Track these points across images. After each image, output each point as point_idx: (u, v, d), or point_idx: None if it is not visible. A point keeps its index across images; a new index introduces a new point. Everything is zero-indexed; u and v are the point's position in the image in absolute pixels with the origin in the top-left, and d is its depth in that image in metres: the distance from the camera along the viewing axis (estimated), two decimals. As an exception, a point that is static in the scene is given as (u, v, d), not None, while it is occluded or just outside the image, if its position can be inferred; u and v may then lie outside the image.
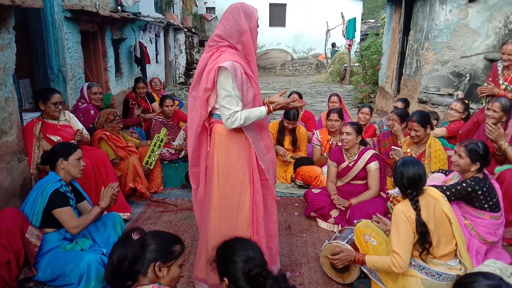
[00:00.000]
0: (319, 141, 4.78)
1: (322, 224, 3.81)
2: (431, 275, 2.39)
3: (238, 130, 2.51)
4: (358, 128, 3.82)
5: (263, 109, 2.49)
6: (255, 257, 1.71)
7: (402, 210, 2.38)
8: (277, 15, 21.29)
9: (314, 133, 4.92)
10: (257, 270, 1.65)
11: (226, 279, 1.72)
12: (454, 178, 3.11)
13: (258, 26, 2.53)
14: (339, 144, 4.56)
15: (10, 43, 3.27)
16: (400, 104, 5.27)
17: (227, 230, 2.51)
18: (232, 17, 2.46)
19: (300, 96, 5.58)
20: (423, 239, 2.36)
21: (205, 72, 2.46)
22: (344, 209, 3.70)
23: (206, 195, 2.66)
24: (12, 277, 2.51)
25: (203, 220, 2.71)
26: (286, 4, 21.26)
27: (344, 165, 3.86)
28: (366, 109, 5.27)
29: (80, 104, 4.77)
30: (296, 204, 4.34)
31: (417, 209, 2.37)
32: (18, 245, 2.57)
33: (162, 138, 4.61)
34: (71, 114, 4.10)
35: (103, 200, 2.89)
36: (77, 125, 4.02)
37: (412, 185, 2.41)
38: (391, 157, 3.75)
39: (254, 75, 2.54)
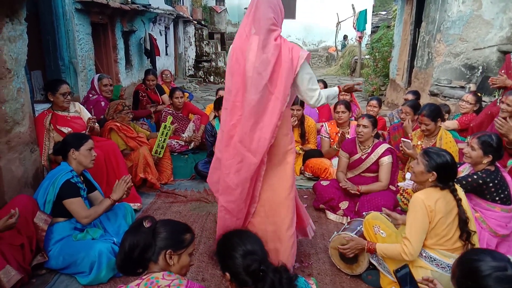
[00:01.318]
0: (328, 133, 4.76)
1: (331, 216, 3.81)
2: (441, 267, 2.38)
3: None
4: (374, 121, 3.80)
5: (336, 89, 2.85)
6: (253, 251, 1.72)
7: (423, 198, 2.37)
8: (287, 7, 20.91)
9: (322, 126, 4.90)
10: (256, 265, 1.65)
11: (227, 274, 1.74)
12: (465, 170, 3.09)
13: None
14: (348, 135, 4.55)
15: (22, 34, 3.30)
16: (411, 97, 5.22)
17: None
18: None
19: (325, 86, 5.62)
20: (466, 229, 2.36)
21: (285, 61, 2.42)
22: (353, 192, 3.69)
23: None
24: (26, 260, 2.57)
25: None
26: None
27: (356, 157, 3.84)
28: (374, 102, 5.23)
29: (90, 95, 4.81)
30: (305, 196, 4.34)
31: (459, 199, 2.39)
32: (30, 230, 2.62)
33: (169, 126, 4.63)
34: (81, 106, 4.13)
35: (116, 193, 2.92)
36: (88, 116, 4.04)
37: (453, 174, 2.42)
38: (401, 149, 3.73)
39: None
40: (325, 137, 4.77)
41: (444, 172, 2.38)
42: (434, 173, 2.38)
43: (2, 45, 3.02)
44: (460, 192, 2.46)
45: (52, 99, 3.77)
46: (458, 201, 2.40)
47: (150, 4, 7.75)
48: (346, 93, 5.44)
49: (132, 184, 3.09)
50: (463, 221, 2.37)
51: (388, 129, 4.83)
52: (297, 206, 2.84)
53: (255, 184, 2.64)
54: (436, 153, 2.43)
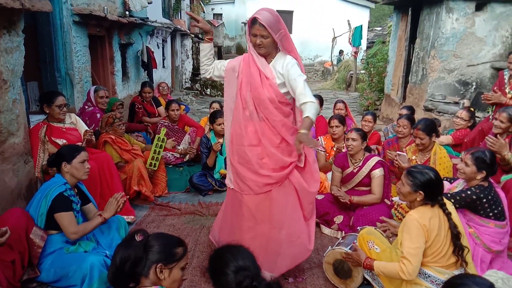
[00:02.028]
0: (323, 147, 4.77)
1: (325, 230, 3.79)
2: (436, 283, 2.37)
3: None
4: (363, 134, 3.82)
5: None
6: (245, 266, 1.69)
7: (416, 218, 2.35)
8: (284, 22, 21.34)
9: (318, 139, 4.91)
10: (248, 282, 1.62)
11: None
12: (458, 186, 3.10)
13: (255, 32, 2.68)
14: (343, 149, 4.57)
15: (19, 46, 3.31)
16: (405, 112, 5.26)
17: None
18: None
19: (321, 101, 5.65)
20: (458, 244, 2.36)
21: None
22: (344, 201, 3.69)
23: None
24: (16, 277, 2.52)
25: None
26: (293, 12, 21.36)
27: (348, 171, 3.85)
28: (368, 117, 5.26)
29: (86, 107, 4.81)
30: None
31: (448, 213, 2.39)
32: (23, 245, 2.58)
33: (164, 138, 4.62)
34: (77, 117, 4.12)
35: (107, 212, 2.90)
36: (83, 127, 4.03)
37: (439, 189, 2.42)
38: (395, 163, 3.75)
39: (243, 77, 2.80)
40: (320, 151, 4.78)
41: (430, 190, 2.38)
42: (421, 192, 2.38)
43: (-1, 56, 3.03)
44: (449, 206, 2.47)
45: (47, 111, 3.76)
46: (448, 215, 2.41)
47: (148, 18, 7.82)
48: (341, 109, 5.53)
49: (126, 199, 3.07)
50: (454, 236, 2.37)
51: (382, 143, 4.85)
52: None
53: None
54: (419, 171, 2.42)
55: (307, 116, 2.50)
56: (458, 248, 2.38)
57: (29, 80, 4.60)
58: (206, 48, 2.90)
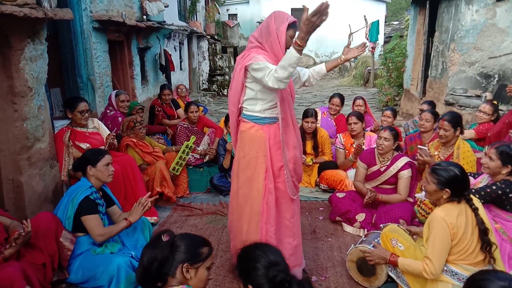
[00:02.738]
0: (343, 144, 4.75)
1: (347, 228, 3.78)
2: (463, 281, 2.33)
3: (257, 129, 2.71)
4: (396, 134, 3.77)
5: (291, 49, 2.33)
6: (277, 262, 1.70)
7: (443, 216, 2.32)
8: (300, 19, 21.23)
9: (337, 137, 4.89)
10: (282, 276, 1.63)
11: (250, 287, 1.71)
12: (483, 181, 3.04)
13: (293, 36, 2.59)
14: (364, 146, 4.53)
15: (42, 54, 3.41)
16: (426, 107, 5.18)
17: (242, 223, 2.81)
18: (266, 20, 2.67)
19: (342, 99, 5.59)
20: (486, 239, 2.32)
21: (235, 72, 2.68)
22: (373, 195, 3.65)
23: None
24: (47, 279, 2.59)
25: (229, 206, 3.05)
26: (308, 9, 21.24)
27: (375, 168, 3.82)
28: (388, 112, 5.21)
29: (108, 111, 4.91)
30: (321, 209, 4.32)
31: (475, 209, 2.36)
32: (52, 248, 2.66)
33: (191, 146, 4.70)
34: (100, 122, 4.21)
35: (132, 216, 2.97)
36: (106, 132, 4.13)
37: (466, 185, 2.39)
38: (418, 157, 3.69)
39: None
40: (340, 148, 4.76)
41: (456, 186, 2.34)
42: (447, 189, 2.35)
43: (24, 64, 3.12)
44: (476, 201, 2.43)
45: (70, 116, 3.86)
46: (475, 210, 2.37)
47: (164, 21, 7.90)
48: (360, 105, 5.49)
49: (154, 198, 3.19)
50: (482, 231, 2.33)
51: (404, 139, 4.80)
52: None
53: None
54: (444, 169, 2.38)
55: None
56: (486, 244, 2.34)
57: (52, 86, 4.72)
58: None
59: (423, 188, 2.56)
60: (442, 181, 2.35)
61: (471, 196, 2.43)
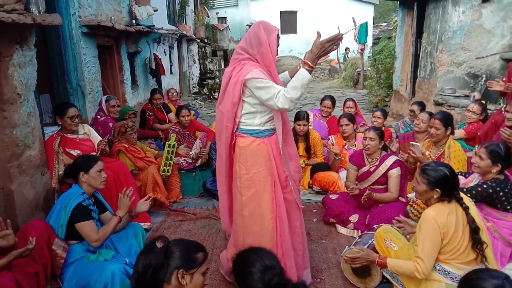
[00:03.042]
0: (331, 144, 4.78)
1: (341, 229, 3.79)
2: (456, 280, 2.35)
3: (258, 142, 2.62)
4: (381, 133, 3.80)
5: (301, 70, 2.40)
6: (272, 266, 1.71)
7: (433, 216, 2.33)
8: (288, 23, 21.39)
9: (329, 139, 4.91)
10: (277, 279, 1.64)
11: None
12: (474, 180, 3.08)
13: (278, 45, 2.61)
14: (354, 148, 4.56)
15: (31, 60, 3.37)
16: (416, 107, 5.23)
17: (251, 242, 2.54)
18: (253, 30, 2.59)
19: (333, 101, 5.61)
20: (477, 238, 2.34)
21: (230, 86, 2.56)
22: (369, 194, 3.64)
23: (233, 203, 2.81)
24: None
25: (233, 225, 2.84)
26: (297, 12, 21.35)
27: (364, 169, 3.84)
28: (378, 113, 5.25)
29: (99, 117, 4.88)
30: (314, 210, 4.33)
31: (466, 208, 2.38)
32: (45, 257, 2.63)
33: (174, 144, 4.67)
34: (90, 128, 4.18)
35: (121, 209, 2.96)
36: (97, 138, 4.09)
37: (455, 185, 2.40)
38: (410, 154, 3.71)
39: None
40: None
41: (446, 186, 2.37)
42: (437, 189, 2.37)
43: (13, 71, 3.09)
44: (467, 200, 2.46)
45: (60, 123, 3.82)
46: (466, 209, 2.39)
47: (154, 25, 7.88)
48: (350, 107, 5.53)
49: (152, 198, 3.17)
50: (473, 230, 2.35)
51: (397, 138, 4.84)
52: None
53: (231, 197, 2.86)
54: (433, 169, 2.40)
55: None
56: (477, 243, 2.36)
57: (41, 92, 4.67)
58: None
59: (413, 189, 2.58)
60: (432, 181, 2.38)
61: (462, 195, 2.45)
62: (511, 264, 2.49)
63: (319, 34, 2.39)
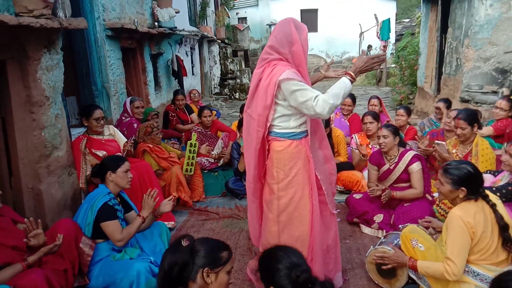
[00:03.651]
0: (358, 145, 4.71)
1: (365, 229, 3.74)
2: (486, 282, 2.29)
3: (296, 144, 2.52)
4: (395, 130, 3.73)
5: (344, 79, 2.39)
6: (299, 263, 1.71)
7: (460, 215, 2.27)
8: (309, 21, 21.20)
9: (352, 137, 4.86)
10: (305, 276, 1.63)
11: None
12: (504, 178, 2.98)
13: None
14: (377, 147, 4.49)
15: (58, 63, 3.47)
16: (441, 105, 5.12)
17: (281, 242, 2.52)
18: (282, 28, 2.48)
19: (353, 99, 5.56)
20: (506, 235, 2.27)
21: (261, 88, 2.46)
22: (388, 193, 3.59)
23: (265, 209, 2.69)
24: (68, 285, 2.63)
25: (264, 231, 2.72)
26: (317, 10, 21.19)
27: (385, 168, 3.78)
28: (401, 111, 5.16)
29: (123, 118, 4.96)
30: (337, 210, 4.24)
31: (493, 205, 2.31)
32: (73, 254, 2.69)
33: (195, 143, 4.71)
34: (115, 129, 4.26)
35: (145, 210, 3.00)
36: (122, 138, 4.17)
37: (480, 182, 2.34)
38: (434, 153, 3.63)
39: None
40: (355, 149, 4.73)
41: (471, 184, 2.31)
42: (463, 188, 2.31)
43: (41, 74, 3.18)
44: (493, 197, 2.39)
45: (86, 124, 3.91)
46: (493, 206, 2.32)
47: (176, 27, 7.97)
48: (375, 105, 5.45)
49: (175, 198, 3.18)
50: (501, 228, 2.29)
51: (426, 135, 4.74)
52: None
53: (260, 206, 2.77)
54: (456, 167, 2.35)
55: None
56: (507, 241, 2.29)
57: (68, 95, 4.79)
58: None
59: (437, 191, 2.51)
60: (456, 180, 2.32)
61: (488, 192, 2.38)
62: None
63: (364, 52, 2.46)
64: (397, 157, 3.72)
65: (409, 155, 3.67)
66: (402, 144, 3.85)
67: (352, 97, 5.59)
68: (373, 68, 2.46)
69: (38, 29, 2.83)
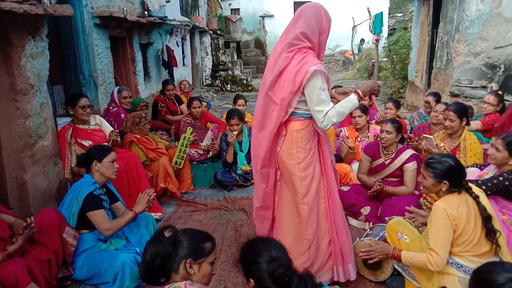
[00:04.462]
0: (347, 138, 4.71)
1: (352, 221, 3.75)
2: (469, 273, 2.31)
3: (312, 124, 2.57)
4: (399, 126, 3.72)
5: (353, 98, 2.48)
6: (278, 257, 1.71)
7: (444, 207, 2.30)
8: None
9: (341, 130, 4.86)
10: (281, 270, 1.64)
11: (252, 280, 1.73)
12: (490, 172, 3.00)
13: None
14: (366, 139, 4.50)
15: (44, 51, 3.40)
16: (431, 99, 5.13)
17: (309, 222, 2.59)
18: (314, 15, 2.49)
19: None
20: (489, 226, 2.29)
21: (290, 73, 2.43)
22: (379, 188, 3.60)
23: (285, 192, 2.71)
24: (52, 275, 2.60)
25: (287, 216, 2.72)
26: (310, 2, 21.12)
27: (379, 161, 3.78)
28: (389, 104, 5.16)
29: (111, 108, 4.91)
30: (325, 202, 4.29)
31: (476, 197, 2.34)
32: (57, 244, 2.67)
33: (189, 137, 4.68)
34: (102, 118, 4.20)
35: (138, 206, 2.96)
36: (108, 128, 4.11)
37: (462, 175, 2.37)
38: (422, 147, 3.64)
39: None
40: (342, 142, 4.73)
41: (454, 177, 2.33)
42: (445, 181, 2.33)
43: (25, 61, 3.11)
44: (476, 190, 2.41)
45: (72, 113, 3.85)
46: (476, 198, 2.35)
47: (166, 16, 7.88)
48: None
49: (154, 196, 3.13)
50: (485, 219, 2.31)
51: (413, 130, 4.76)
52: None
53: (273, 190, 2.75)
54: (438, 161, 2.38)
55: None
56: (490, 232, 2.31)
57: (54, 83, 4.71)
58: None
59: (421, 185, 2.54)
60: (438, 174, 2.35)
61: (470, 184, 2.41)
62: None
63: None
64: (394, 153, 3.72)
65: (406, 153, 3.67)
66: (401, 140, 3.85)
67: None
68: (374, 92, 2.64)
69: (22, 15, 2.77)
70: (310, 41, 2.48)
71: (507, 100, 4.96)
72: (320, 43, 2.53)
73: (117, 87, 5.11)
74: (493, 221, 2.33)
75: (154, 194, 3.09)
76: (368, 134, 4.66)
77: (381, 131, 3.74)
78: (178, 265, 1.80)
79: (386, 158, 3.76)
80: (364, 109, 4.65)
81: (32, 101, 3.23)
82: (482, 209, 2.32)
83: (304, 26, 2.47)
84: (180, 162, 4.60)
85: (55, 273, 2.66)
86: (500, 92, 4.69)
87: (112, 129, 4.11)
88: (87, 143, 3.76)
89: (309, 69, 2.35)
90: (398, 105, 5.22)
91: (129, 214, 2.94)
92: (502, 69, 6.10)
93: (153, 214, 3.65)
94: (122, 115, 4.73)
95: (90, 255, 2.83)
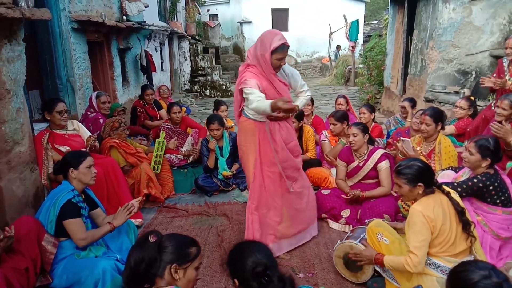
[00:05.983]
0: (328, 138, 4.79)
1: (333, 225, 3.81)
2: (446, 273, 2.38)
3: (250, 122, 3.22)
4: (364, 128, 3.82)
5: (267, 106, 2.82)
6: (261, 258, 1.74)
7: (420, 210, 2.37)
8: (280, 20, 21.36)
9: (322, 133, 4.93)
10: (261, 268, 1.66)
11: (236, 280, 1.74)
12: (464, 174, 3.11)
13: (280, 57, 2.99)
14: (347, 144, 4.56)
15: (20, 55, 3.32)
16: (407, 104, 5.26)
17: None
18: (256, 43, 3.06)
19: (311, 101, 5.70)
20: (464, 219, 2.38)
21: (236, 91, 3.18)
22: (357, 195, 3.70)
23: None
24: (30, 284, 2.53)
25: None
26: (288, 9, 21.33)
27: (354, 165, 3.86)
28: (363, 108, 5.21)
29: (89, 113, 4.83)
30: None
31: (447, 193, 2.43)
32: (35, 252, 2.59)
33: (163, 141, 4.67)
34: (80, 124, 4.13)
35: (116, 220, 2.91)
36: (86, 133, 4.05)
37: (431, 173, 2.48)
38: (400, 150, 3.73)
39: (268, 93, 3.04)
40: (325, 141, 4.80)
41: (426, 178, 2.43)
42: (420, 184, 2.41)
43: (1, 66, 3.04)
44: (446, 187, 2.52)
45: (49, 118, 3.77)
46: (448, 194, 2.45)
47: (145, 21, 7.82)
48: (341, 104, 5.55)
49: (142, 199, 3.15)
50: (459, 213, 2.41)
51: (391, 136, 4.85)
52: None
53: None
54: (406, 166, 2.47)
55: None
56: (465, 225, 2.40)
57: (30, 88, 4.61)
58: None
59: (398, 193, 2.62)
60: (411, 178, 2.43)
61: (444, 187, 2.51)
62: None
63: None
64: (366, 155, 3.81)
65: (378, 153, 3.76)
66: (371, 141, 3.93)
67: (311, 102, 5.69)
68: (284, 112, 2.98)
69: (-2, 18, 2.71)
70: (254, 59, 3.08)
71: (479, 105, 5.14)
72: (262, 66, 3.03)
73: (96, 92, 5.04)
74: (467, 214, 2.44)
75: (139, 199, 3.08)
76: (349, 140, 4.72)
77: (348, 135, 3.84)
78: (163, 270, 1.79)
79: (360, 161, 3.84)
80: (339, 118, 4.60)
81: (8, 106, 3.15)
82: (455, 204, 2.43)
83: (252, 46, 3.11)
84: (158, 167, 4.59)
85: (33, 282, 2.59)
86: (472, 98, 4.86)
87: (90, 134, 4.05)
88: (64, 148, 3.69)
89: (240, 89, 3.08)
90: (372, 110, 5.27)
91: (106, 227, 2.87)
92: (474, 75, 6.33)
93: (133, 220, 3.61)
94: (101, 121, 4.66)
95: (70, 262, 2.76)
